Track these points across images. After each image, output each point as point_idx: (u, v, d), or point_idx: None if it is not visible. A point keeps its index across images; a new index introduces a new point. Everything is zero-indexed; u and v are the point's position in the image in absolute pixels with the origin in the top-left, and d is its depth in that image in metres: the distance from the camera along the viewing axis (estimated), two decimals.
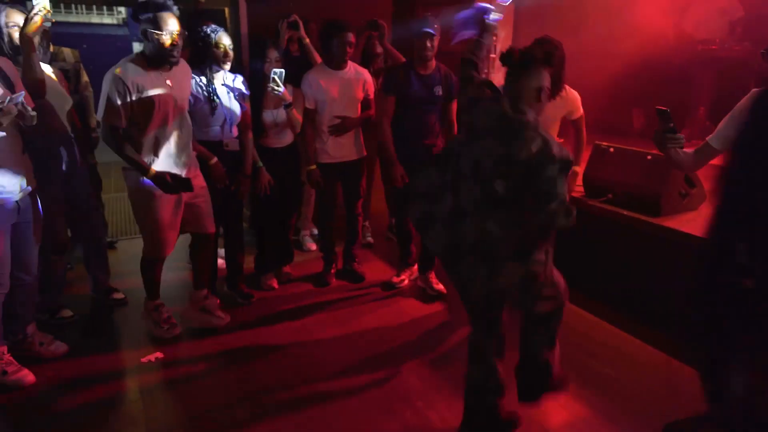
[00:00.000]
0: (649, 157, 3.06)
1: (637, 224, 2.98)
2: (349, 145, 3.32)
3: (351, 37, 3.14)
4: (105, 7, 7.82)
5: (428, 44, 3.01)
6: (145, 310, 2.84)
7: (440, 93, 3.12)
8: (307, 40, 3.46)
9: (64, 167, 2.72)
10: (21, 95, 2.10)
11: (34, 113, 2.19)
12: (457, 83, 3.23)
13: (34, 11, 2.23)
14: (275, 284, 3.43)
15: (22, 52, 2.33)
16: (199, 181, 2.69)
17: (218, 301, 2.99)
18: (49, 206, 2.65)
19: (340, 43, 3.10)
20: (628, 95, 4.98)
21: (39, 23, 2.25)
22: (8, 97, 2.06)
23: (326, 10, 3.97)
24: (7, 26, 2.45)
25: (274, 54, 3.01)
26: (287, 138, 3.21)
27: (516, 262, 1.79)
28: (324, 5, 4.35)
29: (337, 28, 3.10)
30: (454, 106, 3.25)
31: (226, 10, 5.50)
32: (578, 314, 3.08)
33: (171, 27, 2.33)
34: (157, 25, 2.30)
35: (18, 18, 2.45)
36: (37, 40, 2.36)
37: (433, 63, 3.12)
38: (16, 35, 2.41)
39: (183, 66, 2.56)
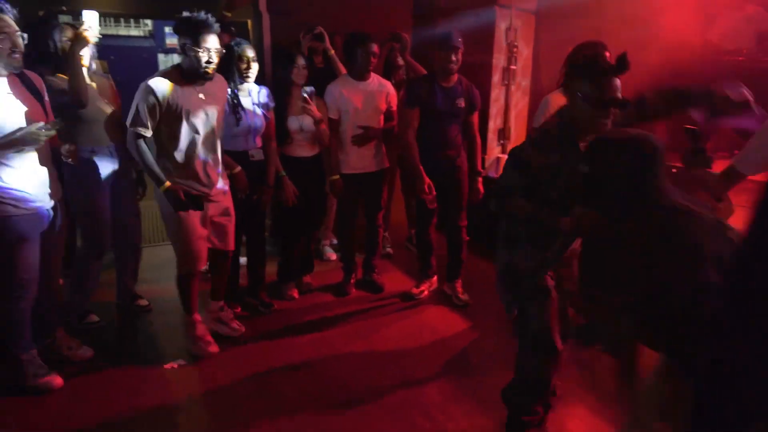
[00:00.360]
0: (673, 171, 3.02)
1: None
2: (371, 157, 3.34)
3: (375, 47, 3.18)
4: (132, 20, 8.02)
5: (453, 58, 3.03)
6: (184, 326, 2.82)
7: (462, 105, 3.13)
8: (332, 52, 3.51)
9: (105, 174, 2.81)
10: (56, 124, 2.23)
11: (70, 161, 2.41)
12: (478, 96, 3.25)
13: (83, 27, 2.41)
14: (296, 294, 3.45)
15: (69, 64, 2.48)
16: (227, 201, 2.72)
17: (232, 313, 3.01)
18: (89, 212, 2.77)
19: (363, 53, 3.14)
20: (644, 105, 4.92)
21: (87, 38, 2.42)
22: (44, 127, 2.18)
23: (348, 21, 4.03)
24: (61, 41, 2.61)
25: (301, 61, 3.07)
26: (313, 148, 3.25)
27: (503, 249, 1.96)
28: (346, 17, 4.42)
29: (361, 38, 3.15)
30: (476, 118, 3.26)
31: (249, 22, 5.61)
32: None
33: (210, 44, 2.38)
34: (197, 41, 2.35)
35: (71, 34, 2.59)
36: (88, 52, 2.57)
37: (455, 76, 3.13)
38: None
39: (218, 80, 2.60)
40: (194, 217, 2.55)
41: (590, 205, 1.50)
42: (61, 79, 2.60)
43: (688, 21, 4.71)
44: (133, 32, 8.27)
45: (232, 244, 2.84)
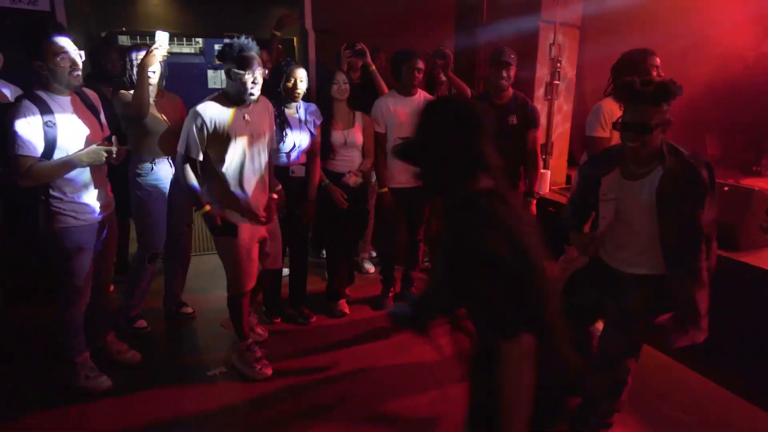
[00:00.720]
0: (725, 188, 2.90)
1: None
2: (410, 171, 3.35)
3: (420, 63, 3.23)
4: (184, 38, 8.38)
5: (504, 74, 3.03)
6: (236, 352, 2.81)
7: (515, 122, 3.08)
8: (374, 67, 3.55)
9: (163, 183, 2.97)
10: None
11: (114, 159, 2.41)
12: (536, 112, 3.19)
13: (155, 46, 2.61)
14: (347, 309, 3.46)
15: (137, 78, 2.69)
16: (275, 221, 2.78)
17: (260, 352, 2.84)
18: (147, 217, 2.93)
19: (409, 68, 3.19)
20: (701, 120, 4.76)
21: (156, 56, 2.64)
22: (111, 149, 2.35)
23: (392, 38, 4.09)
24: (137, 59, 2.80)
25: (342, 77, 3.13)
26: (355, 165, 3.28)
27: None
28: (389, 34, 4.49)
29: (406, 55, 3.21)
30: (535, 134, 3.18)
31: (295, 39, 5.76)
32: (649, 353, 2.92)
33: (254, 67, 2.44)
34: (241, 65, 2.41)
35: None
36: (158, 70, 2.80)
37: (510, 92, 3.11)
38: None
39: (262, 101, 2.64)
40: (246, 237, 2.58)
41: (419, 171, 1.48)
42: (131, 95, 2.79)
43: (743, 33, 4.54)
44: (185, 49, 8.63)
45: (281, 262, 2.91)
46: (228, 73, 2.45)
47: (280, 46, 4.25)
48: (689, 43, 4.63)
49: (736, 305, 2.71)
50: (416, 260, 3.63)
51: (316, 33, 4.66)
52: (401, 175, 3.34)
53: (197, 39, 8.47)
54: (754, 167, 4.70)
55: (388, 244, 3.56)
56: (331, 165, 3.23)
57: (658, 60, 2.74)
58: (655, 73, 2.72)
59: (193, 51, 8.84)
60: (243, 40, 2.45)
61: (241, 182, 2.54)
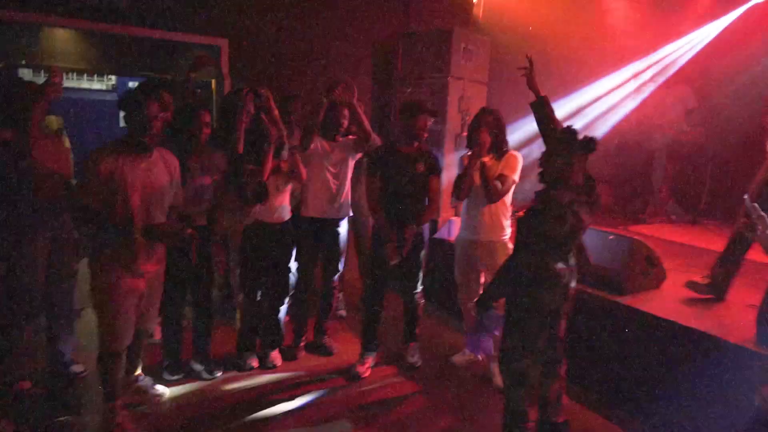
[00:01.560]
0: (611, 237, 3.16)
1: (599, 302, 3.03)
2: (330, 201, 3.39)
3: (346, 111, 3.36)
4: (96, 75, 8.03)
5: (420, 124, 3.15)
6: (102, 414, 2.58)
7: (422, 170, 3.18)
8: (276, 113, 3.39)
9: (49, 234, 2.75)
10: None
11: None
12: (437, 159, 3.30)
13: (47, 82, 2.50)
14: (256, 363, 3.29)
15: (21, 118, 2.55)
16: (158, 277, 2.65)
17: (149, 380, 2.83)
18: (27, 272, 2.68)
19: (335, 116, 3.33)
20: (593, 173, 5.19)
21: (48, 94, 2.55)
22: None
23: (308, 86, 4.16)
24: None
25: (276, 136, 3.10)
26: (283, 214, 3.24)
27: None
28: (305, 82, 4.57)
29: (333, 105, 3.33)
30: (437, 180, 3.26)
31: (213, 82, 5.71)
32: None
33: (152, 112, 2.37)
34: (141, 112, 2.36)
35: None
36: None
37: (416, 142, 3.22)
38: None
39: (165, 154, 2.58)
40: (128, 293, 2.44)
41: None
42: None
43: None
44: (96, 85, 8.26)
45: (153, 323, 2.80)
46: (128, 120, 2.38)
47: (199, 90, 4.15)
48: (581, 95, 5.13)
49: (622, 345, 2.92)
50: (330, 308, 3.59)
51: (231, 78, 4.66)
52: (318, 203, 3.36)
53: (110, 76, 8.15)
54: (640, 215, 5.20)
55: (303, 291, 3.49)
56: (260, 215, 3.14)
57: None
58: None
59: (105, 87, 8.48)
60: (144, 84, 2.42)
61: (131, 233, 2.41)
